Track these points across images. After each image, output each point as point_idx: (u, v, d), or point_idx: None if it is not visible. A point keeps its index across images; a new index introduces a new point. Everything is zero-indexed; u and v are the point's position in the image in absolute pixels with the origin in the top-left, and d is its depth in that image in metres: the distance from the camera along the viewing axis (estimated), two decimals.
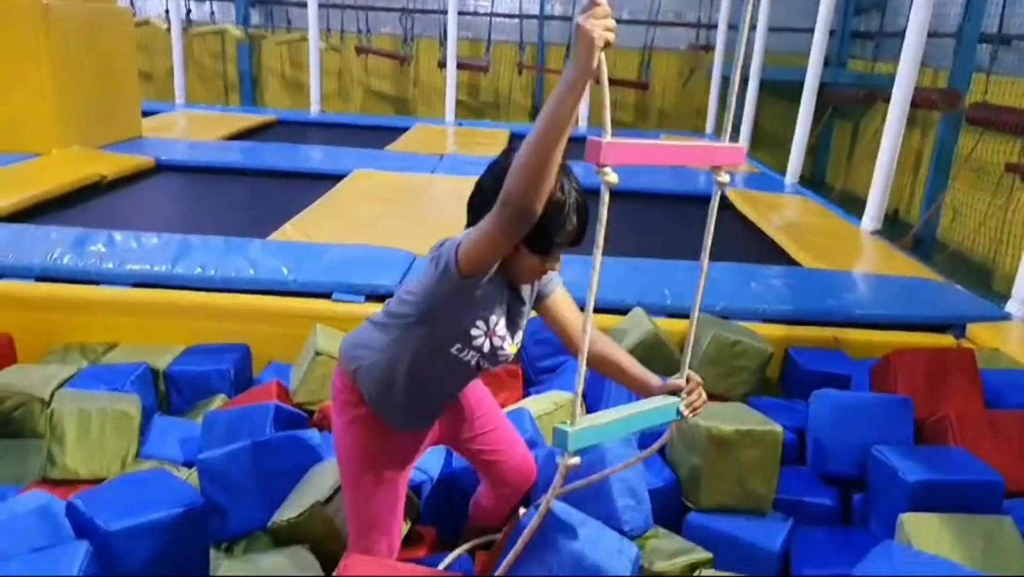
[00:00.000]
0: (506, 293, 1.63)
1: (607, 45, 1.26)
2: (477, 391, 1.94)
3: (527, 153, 1.33)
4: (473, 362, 1.65)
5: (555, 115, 1.30)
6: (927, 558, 1.78)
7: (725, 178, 1.55)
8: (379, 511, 1.77)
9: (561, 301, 1.74)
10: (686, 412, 1.61)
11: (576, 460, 1.44)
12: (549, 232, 1.50)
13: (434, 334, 1.62)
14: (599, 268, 1.38)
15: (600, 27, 1.25)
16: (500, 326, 1.61)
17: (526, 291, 1.70)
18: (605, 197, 1.34)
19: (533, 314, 1.75)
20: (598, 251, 1.37)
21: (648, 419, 1.60)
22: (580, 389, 1.46)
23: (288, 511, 2.00)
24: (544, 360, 2.93)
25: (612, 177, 1.32)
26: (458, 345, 1.61)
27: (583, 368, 1.45)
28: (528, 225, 1.40)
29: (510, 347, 1.66)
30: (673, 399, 1.62)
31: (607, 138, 1.31)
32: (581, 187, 1.54)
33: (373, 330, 1.71)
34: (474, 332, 1.59)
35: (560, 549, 1.78)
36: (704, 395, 1.64)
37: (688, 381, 1.63)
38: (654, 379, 1.68)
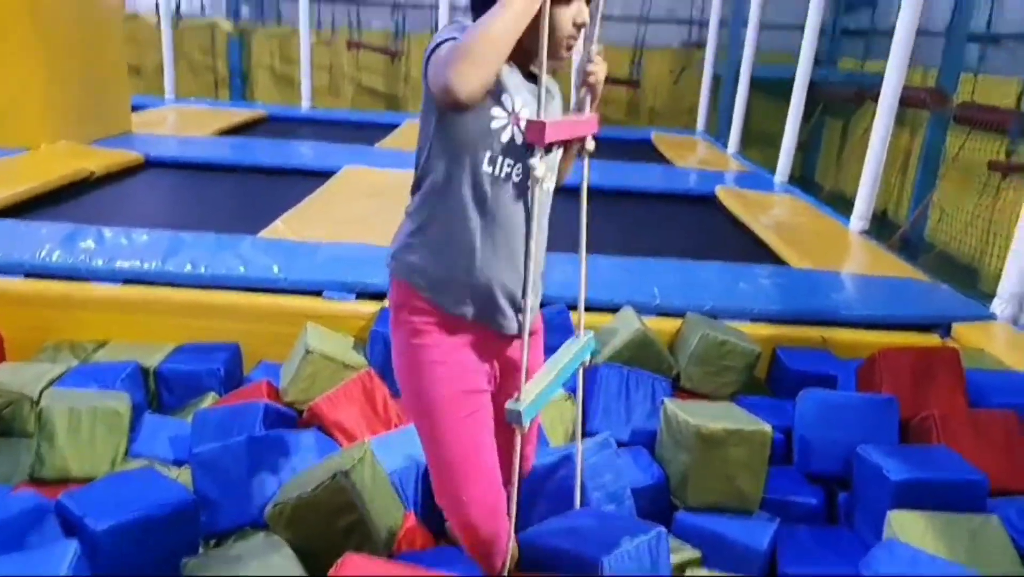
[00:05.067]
0: (525, 80, 1.54)
1: None
2: (537, 354, 1.77)
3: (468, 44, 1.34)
4: (502, 173, 1.50)
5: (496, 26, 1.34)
6: (928, 558, 1.79)
7: (590, 145, 1.69)
8: (462, 439, 1.55)
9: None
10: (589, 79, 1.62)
11: (526, 428, 1.52)
12: None
13: (455, 153, 1.50)
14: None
15: None
16: (525, 112, 1.50)
17: (554, 86, 1.67)
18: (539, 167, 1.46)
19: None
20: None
21: (572, 365, 1.73)
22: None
23: (294, 490, 1.94)
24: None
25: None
26: (487, 153, 1.49)
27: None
28: (448, 103, 1.37)
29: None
30: (585, 338, 1.80)
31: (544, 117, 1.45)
32: None
33: (402, 224, 1.62)
34: (495, 125, 1.48)
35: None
36: (602, 70, 1.62)
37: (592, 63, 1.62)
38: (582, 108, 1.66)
